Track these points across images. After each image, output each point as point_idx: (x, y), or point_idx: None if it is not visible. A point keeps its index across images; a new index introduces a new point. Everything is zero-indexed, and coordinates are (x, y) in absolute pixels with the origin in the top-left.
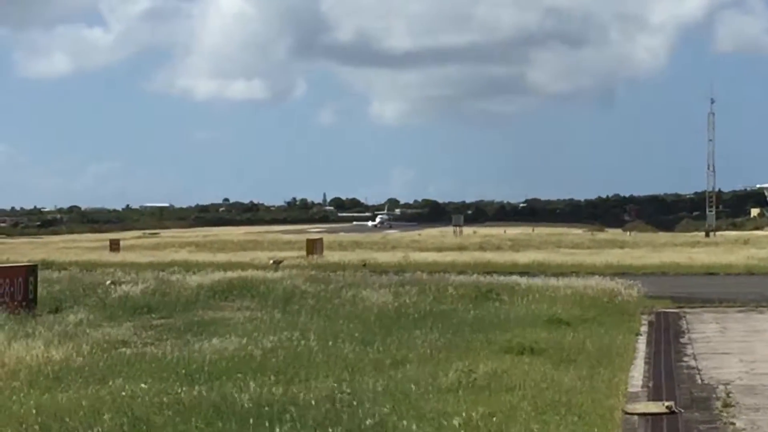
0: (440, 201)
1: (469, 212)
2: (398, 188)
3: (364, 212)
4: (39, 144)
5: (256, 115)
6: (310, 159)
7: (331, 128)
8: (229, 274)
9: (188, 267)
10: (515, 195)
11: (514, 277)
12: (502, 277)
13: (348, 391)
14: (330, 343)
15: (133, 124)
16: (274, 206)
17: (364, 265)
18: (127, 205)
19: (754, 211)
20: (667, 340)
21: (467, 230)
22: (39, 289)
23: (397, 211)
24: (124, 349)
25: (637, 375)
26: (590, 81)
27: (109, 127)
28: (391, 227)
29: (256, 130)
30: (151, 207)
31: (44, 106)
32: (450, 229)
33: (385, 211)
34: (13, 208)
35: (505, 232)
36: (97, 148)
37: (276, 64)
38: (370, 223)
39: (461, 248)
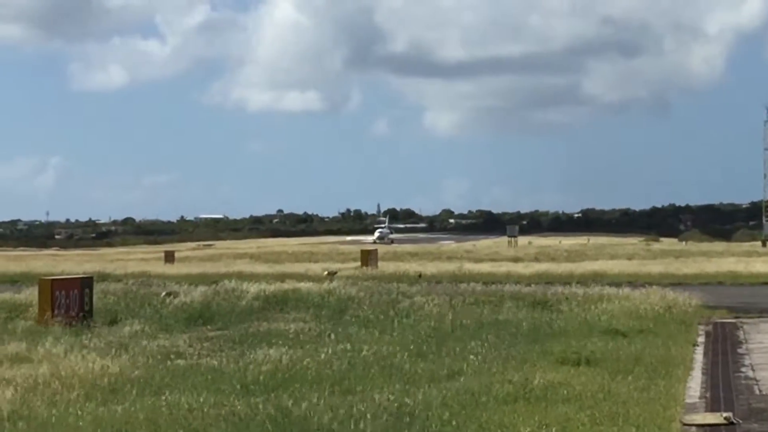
0: (495, 211)
1: (524, 223)
2: (452, 198)
3: (418, 223)
4: (94, 156)
5: (310, 126)
6: (364, 169)
7: (386, 139)
8: (284, 285)
9: (243, 278)
10: (570, 205)
11: (570, 288)
12: (557, 288)
13: (404, 402)
14: (385, 354)
15: (187, 136)
16: (328, 217)
17: (419, 275)
18: (182, 217)
19: None
20: (725, 350)
21: (522, 241)
22: (94, 301)
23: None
24: (179, 361)
25: (694, 386)
26: (645, 90)
27: (164, 139)
28: (392, 242)
29: (310, 141)
30: (206, 218)
31: (99, 118)
32: (504, 239)
33: (385, 224)
34: (68, 220)
35: (560, 242)
36: (151, 160)
37: (330, 75)
38: (370, 238)
39: (516, 259)
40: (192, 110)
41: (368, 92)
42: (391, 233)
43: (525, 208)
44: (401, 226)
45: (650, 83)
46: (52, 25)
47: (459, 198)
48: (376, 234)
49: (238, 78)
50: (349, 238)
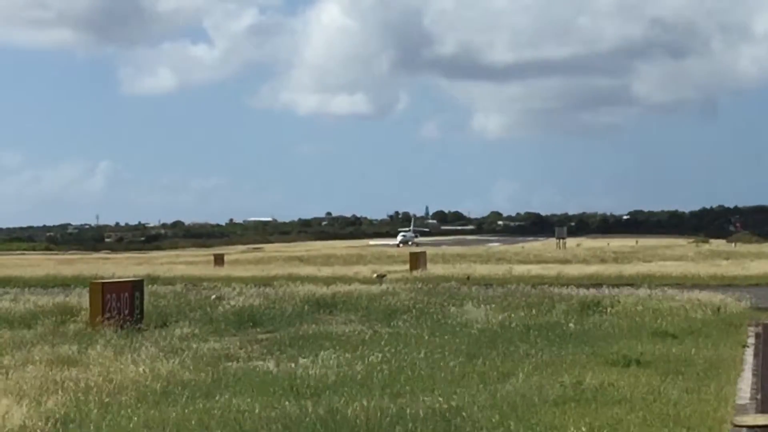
0: (543, 213)
1: (572, 224)
2: (501, 201)
3: (467, 225)
4: (144, 160)
5: (358, 129)
6: (412, 172)
7: (434, 141)
8: (333, 288)
9: (292, 281)
10: (618, 207)
11: (619, 290)
12: (606, 290)
13: (455, 404)
14: (435, 356)
15: (236, 140)
16: (376, 220)
17: (468, 278)
18: (231, 220)
19: None
20: None
21: (570, 242)
22: (145, 304)
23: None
24: (230, 364)
25: (745, 387)
26: (694, 91)
27: (213, 142)
28: (417, 246)
29: (358, 144)
30: (255, 221)
31: (149, 122)
32: (552, 241)
33: (410, 228)
34: (117, 223)
35: (608, 244)
36: (201, 164)
37: (379, 78)
38: (393, 242)
39: (565, 261)
40: (241, 114)
41: (417, 95)
42: (416, 236)
43: (573, 210)
44: (449, 228)
45: (698, 84)
46: (103, 30)
47: (507, 200)
48: (399, 238)
49: (287, 81)
50: (372, 242)
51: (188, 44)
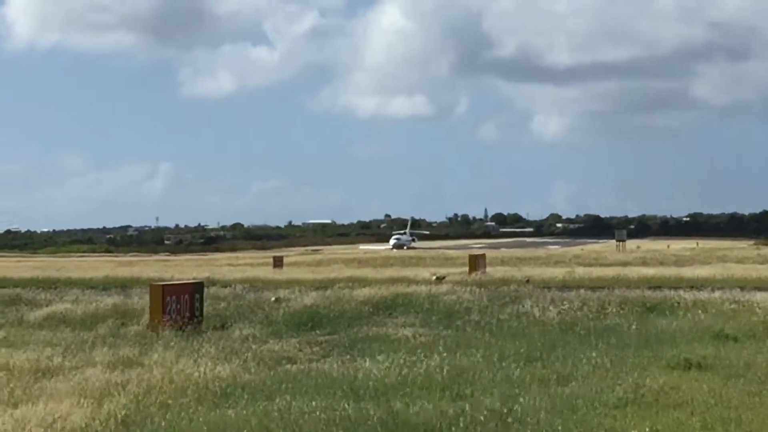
0: (602, 215)
1: (632, 227)
2: (560, 203)
3: (525, 227)
4: (203, 162)
5: (417, 131)
6: (471, 174)
7: (493, 144)
8: (392, 289)
9: (351, 283)
10: (678, 209)
11: (679, 292)
12: (666, 292)
13: (515, 407)
14: (495, 359)
15: (296, 142)
16: (435, 222)
17: (527, 280)
18: (290, 222)
19: None
20: None
21: (630, 245)
22: (205, 306)
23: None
24: (289, 366)
25: None
26: (753, 94)
27: (272, 144)
28: (407, 248)
29: (417, 146)
30: (314, 223)
31: (209, 124)
32: (612, 243)
33: (405, 231)
34: (177, 225)
35: (668, 246)
36: (260, 166)
37: (438, 80)
38: (384, 246)
39: (624, 263)
40: (300, 116)
41: (476, 97)
42: (413, 240)
43: (632, 213)
44: (508, 230)
45: (758, 86)
46: (164, 33)
47: (566, 202)
48: (392, 242)
49: (346, 83)
50: (362, 246)
51: (248, 46)
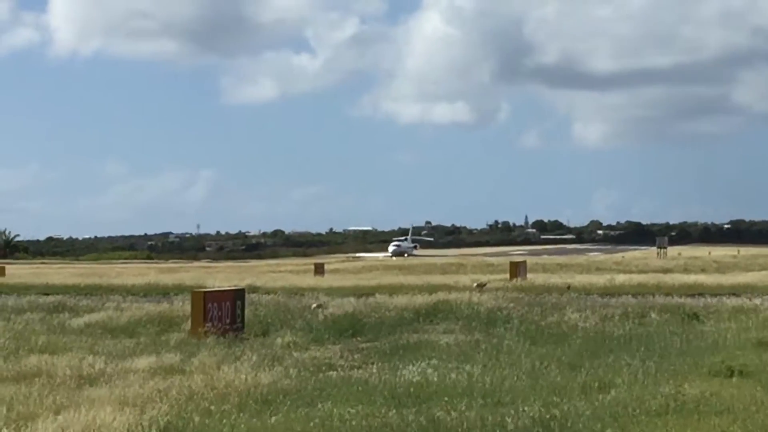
0: (643, 222)
1: (673, 234)
2: (601, 210)
3: (566, 234)
4: (244, 169)
5: (459, 137)
6: (512, 181)
7: (534, 150)
8: (433, 296)
9: (392, 290)
10: (720, 216)
11: (721, 299)
12: (708, 299)
13: (556, 414)
14: (536, 365)
15: (337, 149)
16: (476, 229)
17: (568, 287)
18: (331, 229)
19: None
20: None
21: (671, 252)
22: (246, 313)
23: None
24: (331, 372)
25: None
26: None
27: (313, 151)
28: (407, 255)
29: (459, 153)
30: (355, 230)
31: (250, 131)
32: (653, 250)
33: (406, 238)
34: (218, 232)
35: (709, 253)
36: (301, 173)
37: (479, 87)
38: (381, 255)
39: (666, 270)
40: (342, 123)
41: (517, 103)
42: (415, 247)
43: (674, 219)
44: (548, 237)
45: None
46: (206, 41)
47: (607, 209)
48: (391, 248)
49: (388, 90)
50: (359, 255)
51: (290, 54)
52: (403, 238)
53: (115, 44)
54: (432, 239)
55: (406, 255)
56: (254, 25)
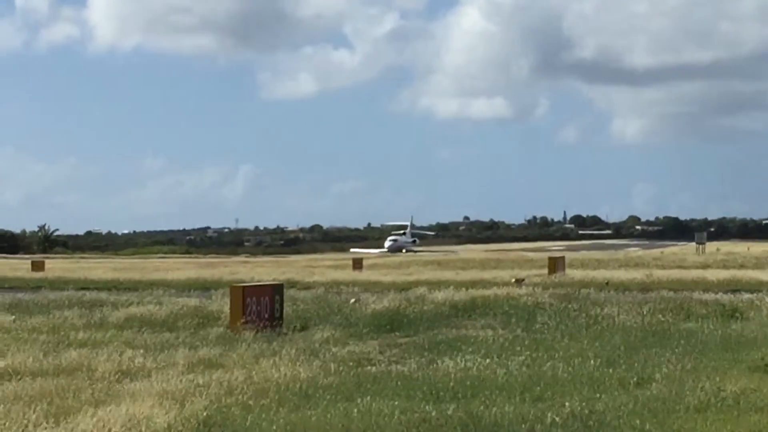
0: (682, 218)
1: (712, 229)
2: (640, 205)
3: (604, 230)
4: (283, 164)
5: (497, 133)
6: (550, 176)
7: (572, 145)
8: (472, 292)
9: (431, 285)
10: (759, 211)
11: (760, 295)
12: (747, 295)
13: (595, 409)
14: (575, 361)
15: (375, 144)
16: (514, 224)
17: (607, 283)
18: (369, 224)
19: None
20: None
21: (710, 247)
22: (285, 308)
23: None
24: (369, 367)
25: None
26: None
27: (351, 146)
28: (410, 251)
29: (497, 148)
30: (393, 225)
31: (288, 126)
32: (692, 246)
33: (404, 232)
34: (256, 227)
35: (748, 249)
36: (339, 168)
37: (518, 82)
38: (375, 251)
39: (704, 266)
40: (380, 118)
41: (556, 99)
42: (415, 242)
43: (712, 215)
44: (586, 232)
45: None
46: (245, 36)
47: (646, 204)
48: (387, 243)
49: (426, 85)
50: (353, 250)
51: (329, 49)
52: (401, 232)
53: (154, 40)
54: (433, 234)
55: (404, 251)
56: (293, 20)
